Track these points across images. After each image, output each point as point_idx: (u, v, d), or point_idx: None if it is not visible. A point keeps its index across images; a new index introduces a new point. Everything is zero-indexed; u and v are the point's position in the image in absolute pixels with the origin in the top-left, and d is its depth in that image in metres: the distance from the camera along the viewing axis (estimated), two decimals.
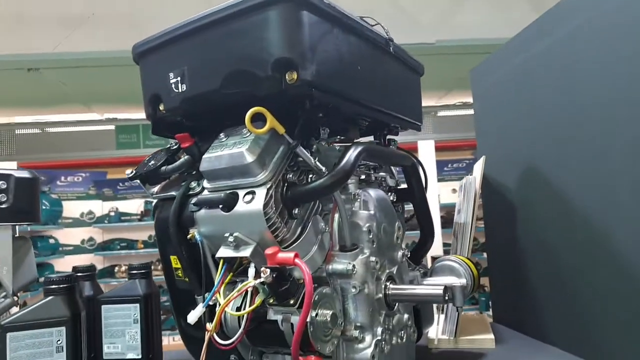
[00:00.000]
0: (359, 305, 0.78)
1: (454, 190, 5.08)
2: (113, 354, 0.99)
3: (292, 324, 0.71)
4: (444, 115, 5.70)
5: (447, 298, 0.79)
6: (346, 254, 0.78)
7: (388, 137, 1.03)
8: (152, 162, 0.83)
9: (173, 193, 0.81)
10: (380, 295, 0.81)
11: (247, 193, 0.74)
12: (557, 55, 1.02)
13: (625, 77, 0.84)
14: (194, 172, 0.83)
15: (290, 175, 0.76)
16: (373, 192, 0.86)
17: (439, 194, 5.13)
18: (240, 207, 0.73)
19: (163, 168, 0.82)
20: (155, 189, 0.85)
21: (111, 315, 0.99)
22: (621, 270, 0.86)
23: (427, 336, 1.11)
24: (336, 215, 0.81)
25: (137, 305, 0.99)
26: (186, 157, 0.82)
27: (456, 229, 1.16)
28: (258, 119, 0.72)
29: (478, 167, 1.14)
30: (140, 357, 0.98)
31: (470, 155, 5.54)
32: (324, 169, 0.76)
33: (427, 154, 5.42)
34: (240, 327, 0.74)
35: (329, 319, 0.72)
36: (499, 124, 1.25)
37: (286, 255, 0.69)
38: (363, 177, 0.90)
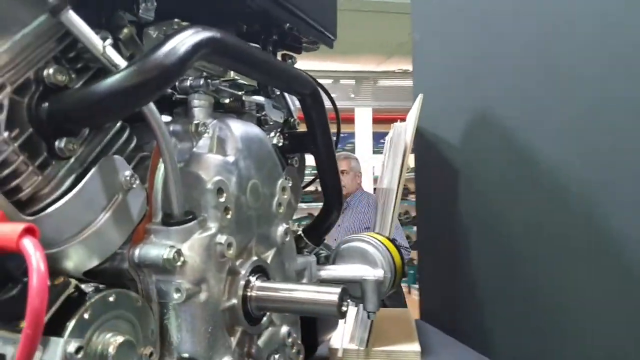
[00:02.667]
0: (189, 322, 0.43)
1: None
2: None
3: None
4: (383, 84, 5.41)
5: (343, 309, 0.46)
6: (169, 230, 0.43)
7: (283, 52, 0.68)
8: None
9: None
10: (235, 301, 0.47)
11: None
12: None
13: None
14: None
15: (51, 73, 0.38)
16: (238, 125, 0.51)
17: (374, 166, 4.86)
18: None
19: None
20: None
21: None
22: (598, 263, 0.58)
23: (329, 345, 0.79)
24: (161, 162, 0.45)
25: None
26: None
27: (378, 196, 0.84)
28: None
29: (412, 113, 0.82)
30: None
31: None
32: (122, 63, 0.39)
33: (364, 122, 5.14)
34: None
35: (111, 353, 0.37)
36: (441, 61, 0.93)
37: (6, 231, 0.33)
38: (226, 100, 0.55)
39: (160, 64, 0.39)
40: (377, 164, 4.68)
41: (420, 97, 0.79)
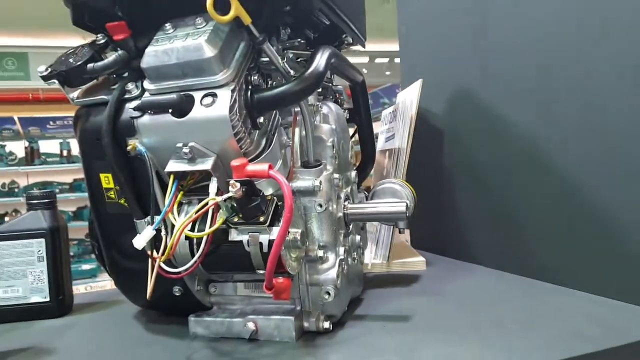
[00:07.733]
0: (324, 224, 0.72)
1: None
2: (11, 299, 0.82)
3: (261, 244, 0.63)
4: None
5: (408, 214, 0.77)
6: (310, 171, 0.72)
7: None
8: (72, 58, 0.65)
9: (103, 97, 0.66)
10: (341, 214, 0.77)
11: (207, 95, 0.62)
12: None
13: None
14: (125, 74, 0.68)
15: (255, 78, 0.65)
16: (332, 106, 0.79)
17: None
18: (198, 112, 0.61)
19: (90, 65, 0.65)
20: (75, 93, 0.68)
21: (7, 254, 0.81)
22: (548, 174, 0.87)
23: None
24: (297, 129, 0.73)
25: (42, 240, 0.82)
26: (120, 52, 0.66)
27: (389, 154, 1.16)
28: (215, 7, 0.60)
29: (413, 91, 1.13)
30: (48, 299, 0.82)
31: None
32: (292, 72, 0.67)
33: None
34: (194, 252, 0.64)
35: (299, 238, 0.66)
36: (425, 50, 1.25)
37: (258, 167, 0.60)
38: (320, 89, 0.83)
39: (317, 72, 0.66)
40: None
41: (420, 81, 1.10)
